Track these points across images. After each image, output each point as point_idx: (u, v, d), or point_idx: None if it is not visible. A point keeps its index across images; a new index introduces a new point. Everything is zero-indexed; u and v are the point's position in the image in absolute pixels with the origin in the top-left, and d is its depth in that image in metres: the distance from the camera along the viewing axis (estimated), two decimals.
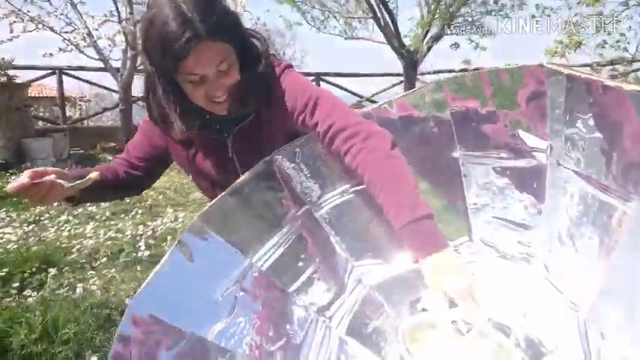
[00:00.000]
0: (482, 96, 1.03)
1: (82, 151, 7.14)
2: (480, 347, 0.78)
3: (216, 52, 0.83)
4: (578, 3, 5.17)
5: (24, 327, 1.54)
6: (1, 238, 2.90)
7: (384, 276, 1.01)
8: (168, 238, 2.88)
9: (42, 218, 3.49)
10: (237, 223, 0.98)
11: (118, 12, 6.66)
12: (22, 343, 1.48)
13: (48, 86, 8.36)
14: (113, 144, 7.43)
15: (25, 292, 1.97)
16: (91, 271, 2.26)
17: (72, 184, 0.89)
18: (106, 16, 6.64)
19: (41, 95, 11.85)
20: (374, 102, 9.84)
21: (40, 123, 8.03)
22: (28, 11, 6.56)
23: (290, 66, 1.03)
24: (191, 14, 0.79)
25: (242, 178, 0.96)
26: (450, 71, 9.18)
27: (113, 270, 2.36)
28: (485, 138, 1.02)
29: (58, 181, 0.86)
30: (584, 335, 0.77)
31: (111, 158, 6.66)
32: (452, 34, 7.79)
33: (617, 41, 5.50)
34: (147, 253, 2.58)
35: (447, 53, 7.69)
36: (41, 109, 10.06)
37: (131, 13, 6.66)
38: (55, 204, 3.67)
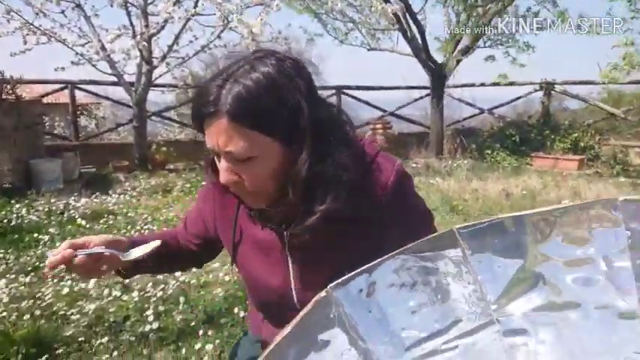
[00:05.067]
0: None
1: (93, 170, 6.84)
2: None
3: (232, 133, 0.70)
4: (632, 17, 4.68)
5: None
6: None
7: None
8: (181, 299, 2.48)
9: (42, 264, 3.12)
10: None
11: (132, 26, 6.35)
12: None
13: (63, 92, 8.08)
14: (126, 162, 7.11)
15: None
16: None
17: (129, 256, 0.83)
18: (119, 30, 6.33)
19: (58, 102, 11.58)
20: (398, 116, 9.37)
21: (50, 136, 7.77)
22: (40, 25, 6.28)
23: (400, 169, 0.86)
24: (222, 88, 0.70)
25: (286, 330, 0.57)
26: (482, 85, 8.69)
27: (115, 353, 1.97)
28: None
29: (112, 252, 0.81)
30: None
31: (123, 179, 6.37)
32: (485, 47, 7.31)
33: None
34: (155, 325, 2.18)
35: (475, 67, 7.27)
36: (57, 118, 9.83)
37: (146, 26, 6.35)
38: (59, 244, 3.34)
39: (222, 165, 0.74)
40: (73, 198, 5.02)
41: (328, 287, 0.62)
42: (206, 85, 0.72)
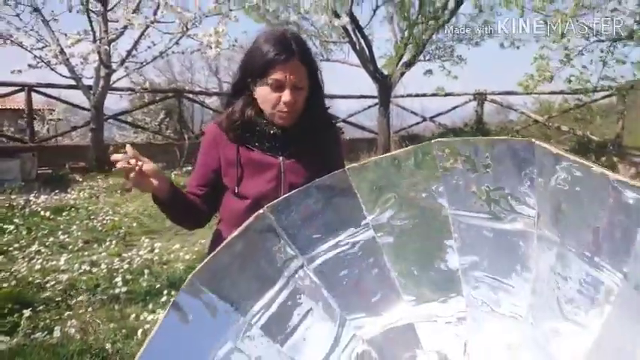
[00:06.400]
0: (471, 161, 1.07)
1: (50, 171, 6.91)
2: None
3: (297, 70, 1.13)
4: (545, 36, 5.45)
5: None
6: None
7: (377, 330, 1.03)
8: (145, 271, 2.82)
9: (10, 249, 3.35)
10: (231, 279, 0.99)
11: (93, 31, 6.55)
12: None
13: (12, 97, 8.01)
14: (83, 164, 7.21)
15: None
16: (67, 312, 2.18)
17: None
18: (79, 34, 6.49)
19: (5, 107, 11.34)
20: (350, 123, 9.94)
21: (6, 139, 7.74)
22: None
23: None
24: (289, 40, 1.14)
25: (234, 234, 0.96)
26: (423, 95, 9.42)
27: (90, 309, 2.29)
28: (474, 200, 1.06)
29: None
30: None
31: (80, 179, 6.49)
32: (425, 60, 8.02)
33: (581, 73, 5.80)
34: (124, 289, 2.51)
35: (422, 78, 8.02)
36: (5, 123, 9.71)
37: (106, 31, 6.57)
38: (25, 232, 3.55)
39: (286, 92, 1.14)
40: (33, 195, 5.17)
41: (264, 207, 1.03)
42: (265, 47, 1.13)
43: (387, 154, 1.12)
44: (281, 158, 1.21)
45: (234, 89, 1.24)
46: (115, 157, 1.03)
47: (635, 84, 6.51)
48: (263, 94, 1.16)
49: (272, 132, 1.20)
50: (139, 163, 1.05)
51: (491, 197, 1.01)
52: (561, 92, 7.52)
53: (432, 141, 1.12)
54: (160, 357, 0.83)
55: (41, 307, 2.29)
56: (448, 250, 1.08)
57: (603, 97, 7.62)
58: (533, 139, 0.93)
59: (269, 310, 0.97)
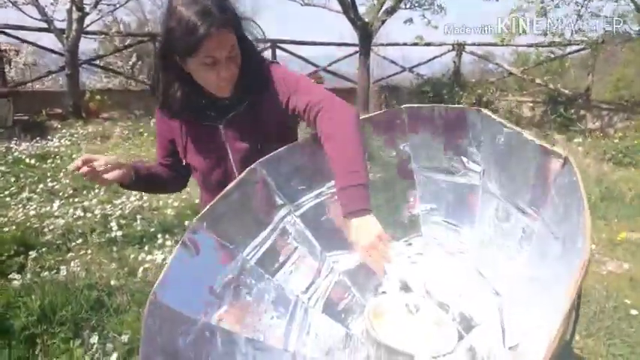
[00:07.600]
0: (433, 125, 1.26)
1: (26, 118, 6.81)
2: (426, 321, 1.02)
3: (228, 39, 1.03)
4: None
5: (23, 310, 1.68)
6: None
7: (351, 264, 1.22)
8: (138, 217, 2.99)
9: (1, 195, 3.45)
10: (229, 223, 1.14)
11: None
12: (22, 325, 1.62)
13: None
14: (59, 110, 7.11)
15: (10, 276, 2.07)
16: (70, 253, 2.37)
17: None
18: None
19: None
20: (330, 72, 9.89)
21: None
22: None
23: (276, 62, 1.22)
24: (211, 8, 1.00)
25: (231, 185, 1.10)
26: (404, 44, 9.41)
27: (90, 251, 2.48)
28: (435, 157, 1.27)
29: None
30: (501, 313, 1.04)
31: (59, 126, 6.41)
32: (406, 8, 7.97)
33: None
34: (120, 233, 2.69)
35: (403, 26, 7.96)
36: None
37: None
38: (13, 179, 3.60)
39: (223, 68, 1.05)
40: (13, 142, 5.16)
41: (256, 163, 1.19)
42: (189, 19, 0.98)
43: (364, 117, 1.30)
44: (221, 127, 1.19)
45: (163, 65, 1.11)
46: (75, 164, 1.07)
47: (605, 38, 6.72)
48: (198, 72, 1.08)
49: (207, 102, 1.17)
50: (95, 164, 1.08)
51: (447, 155, 1.22)
52: (537, 45, 7.67)
53: (402, 106, 1.30)
54: (174, 282, 0.97)
55: (44, 250, 2.46)
56: (412, 198, 1.29)
57: (576, 51, 7.81)
58: (481, 108, 1.13)
59: (262, 248, 1.12)
